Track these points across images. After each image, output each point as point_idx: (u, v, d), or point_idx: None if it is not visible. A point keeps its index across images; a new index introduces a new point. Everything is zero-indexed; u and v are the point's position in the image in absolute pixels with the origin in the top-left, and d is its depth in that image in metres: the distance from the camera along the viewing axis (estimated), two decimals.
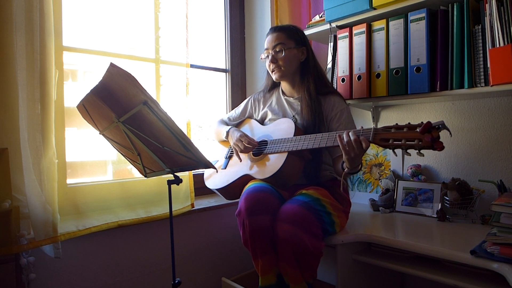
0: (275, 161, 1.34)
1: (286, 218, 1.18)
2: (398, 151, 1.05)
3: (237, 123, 1.69)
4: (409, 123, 1.03)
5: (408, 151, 1.01)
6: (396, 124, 1.05)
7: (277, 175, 1.30)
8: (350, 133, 1.11)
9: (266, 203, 1.24)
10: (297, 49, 1.46)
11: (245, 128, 1.62)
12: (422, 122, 0.99)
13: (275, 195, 1.29)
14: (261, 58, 1.53)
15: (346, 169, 1.19)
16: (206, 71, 1.99)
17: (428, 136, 0.95)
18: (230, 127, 1.58)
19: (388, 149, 1.77)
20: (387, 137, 1.04)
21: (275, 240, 1.21)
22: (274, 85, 1.63)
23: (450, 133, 0.99)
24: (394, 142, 1.03)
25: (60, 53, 1.28)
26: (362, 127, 1.13)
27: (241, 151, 1.45)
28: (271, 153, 1.37)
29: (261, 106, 1.62)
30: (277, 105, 1.56)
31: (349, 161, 1.14)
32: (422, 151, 0.98)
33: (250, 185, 1.33)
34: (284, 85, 1.55)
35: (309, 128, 1.38)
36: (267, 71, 1.60)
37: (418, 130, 0.98)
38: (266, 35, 1.51)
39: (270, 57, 1.46)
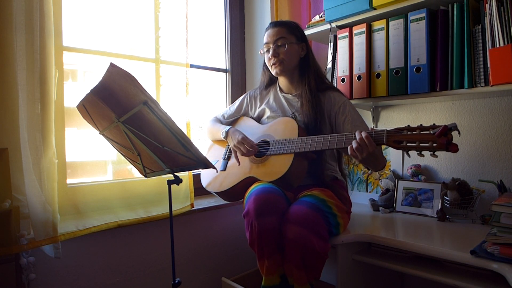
0: (281, 163, 1.32)
1: (295, 219, 1.18)
2: (399, 152, 1.06)
3: (232, 121, 1.67)
4: (421, 124, 1.04)
5: (422, 152, 1.02)
6: (408, 125, 1.06)
7: (284, 177, 1.30)
8: (357, 133, 1.12)
9: (275, 204, 1.23)
10: (297, 44, 1.45)
11: (242, 126, 1.60)
12: (434, 124, 1.01)
13: (282, 196, 1.28)
14: (260, 53, 1.52)
15: (370, 170, 1.20)
16: (206, 71, 1.99)
17: (443, 139, 0.96)
18: (229, 127, 1.56)
19: (389, 149, 1.78)
20: (401, 139, 1.05)
21: (283, 241, 1.20)
22: (271, 82, 1.61)
23: (459, 133, 1.00)
24: (408, 144, 1.03)
25: (60, 53, 1.28)
26: (373, 129, 1.13)
27: (243, 154, 1.43)
28: (276, 154, 1.36)
29: (258, 103, 1.61)
30: (275, 102, 1.54)
31: (362, 163, 1.17)
32: (436, 152, 0.99)
33: (257, 186, 1.31)
34: (282, 81, 1.54)
35: (311, 124, 1.37)
36: (263, 67, 1.58)
37: (431, 132, 0.99)
38: (265, 29, 1.50)
39: (271, 51, 1.44)
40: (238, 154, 1.46)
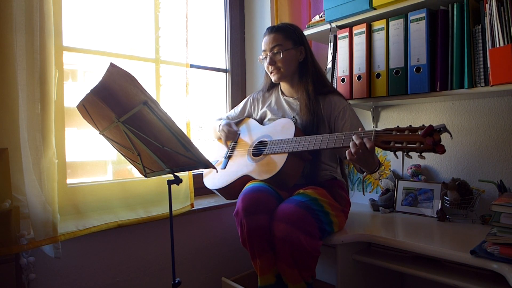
0: (275, 162, 1.33)
1: (283, 217, 1.18)
2: (399, 153, 1.05)
3: (236, 122, 1.69)
4: (410, 125, 1.03)
5: (410, 153, 1.01)
6: (398, 126, 1.06)
7: (277, 175, 1.30)
8: (353, 137, 1.10)
9: (264, 203, 1.24)
10: (295, 49, 1.45)
11: (244, 128, 1.62)
12: (423, 125, 0.99)
13: (273, 195, 1.29)
14: (259, 60, 1.53)
15: (365, 173, 1.20)
16: (206, 71, 1.99)
17: (429, 139, 0.95)
18: (225, 120, 1.62)
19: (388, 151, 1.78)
20: (389, 140, 1.04)
21: (273, 240, 1.21)
22: (273, 85, 1.62)
23: (451, 136, 0.99)
24: (395, 145, 1.03)
25: (60, 53, 1.28)
26: (362, 129, 1.13)
27: (226, 137, 1.56)
28: (271, 153, 1.37)
29: (260, 106, 1.62)
30: (276, 105, 1.55)
31: (360, 165, 1.16)
32: (423, 154, 0.99)
33: (248, 185, 1.33)
34: (284, 85, 1.55)
35: (308, 128, 1.38)
36: (266, 70, 1.60)
37: (419, 133, 0.98)
38: (263, 35, 1.50)
39: (268, 59, 1.46)
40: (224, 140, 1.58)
